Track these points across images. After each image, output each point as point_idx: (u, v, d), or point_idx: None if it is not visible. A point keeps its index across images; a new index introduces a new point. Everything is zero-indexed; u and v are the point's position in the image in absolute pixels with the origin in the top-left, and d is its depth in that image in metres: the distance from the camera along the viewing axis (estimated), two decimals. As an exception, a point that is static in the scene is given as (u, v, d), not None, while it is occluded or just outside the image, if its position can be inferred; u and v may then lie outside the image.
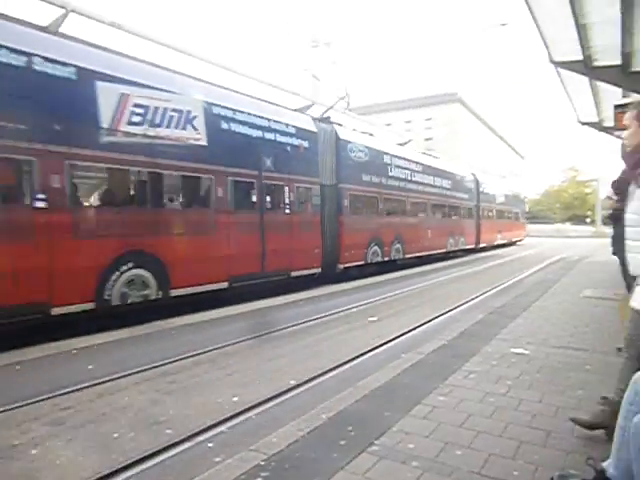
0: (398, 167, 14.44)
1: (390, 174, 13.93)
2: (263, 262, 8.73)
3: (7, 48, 5.36)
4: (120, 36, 8.62)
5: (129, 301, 6.54)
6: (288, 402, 3.54)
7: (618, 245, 4.26)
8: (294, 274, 9.60)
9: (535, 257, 17.08)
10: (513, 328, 5.13)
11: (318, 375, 4.08)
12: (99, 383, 4.01)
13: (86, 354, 4.97)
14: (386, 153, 13.93)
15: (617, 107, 8.51)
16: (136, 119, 6.68)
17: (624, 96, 10.91)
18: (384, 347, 4.98)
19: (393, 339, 5.27)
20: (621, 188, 4.24)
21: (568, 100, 14.44)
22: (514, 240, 28.36)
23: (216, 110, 8.02)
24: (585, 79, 11.16)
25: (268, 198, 9.15)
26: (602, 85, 11.33)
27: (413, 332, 5.64)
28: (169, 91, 7.21)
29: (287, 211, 9.54)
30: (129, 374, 4.23)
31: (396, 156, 14.49)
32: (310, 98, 15.65)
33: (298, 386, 3.84)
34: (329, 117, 12.66)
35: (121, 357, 4.88)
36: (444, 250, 17.54)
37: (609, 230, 4.61)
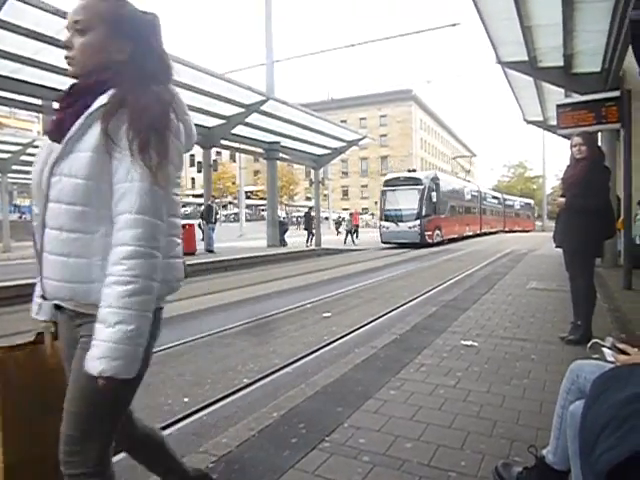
0: (491, 198, 38.98)
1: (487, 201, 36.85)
2: (505, 225, 41.05)
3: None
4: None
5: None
6: (240, 401, 3.49)
7: (562, 236, 4.43)
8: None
9: (486, 251, 17.63)
10: (463, 320, 5.27)
11: (271, 373, 4.05)
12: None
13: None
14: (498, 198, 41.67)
15: (559, 107, 8.88)
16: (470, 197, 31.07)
17: (567, 96, 11.37)
18: (337, 342, 4.99)
19: (346, 334, 5.29)
20: (566, 183, 4.45)
21: (515, 99, 14.95)
22: (527, 229, 46.20)
23: (484, 195, 35.79)
24: (530, 79, 11.57)
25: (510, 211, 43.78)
26: (546, 85, 11.78)
27: (366, 327, 5.68)
28: (474, 190, 32.83)
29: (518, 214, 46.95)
30: (74, 378, 4.07)
31: (487, 195, 37.39)
32: (265, 93, 15.52)
33: (250, 384, 3.79)
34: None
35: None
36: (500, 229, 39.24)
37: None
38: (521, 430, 2.58)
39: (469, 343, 4.32)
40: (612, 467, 0.92)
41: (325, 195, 48.24)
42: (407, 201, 21.88)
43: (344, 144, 21.71)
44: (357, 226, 26.38)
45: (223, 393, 3.60)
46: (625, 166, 7.81)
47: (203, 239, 17.54)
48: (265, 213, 23.63)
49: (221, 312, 6.88)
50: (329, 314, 6.46)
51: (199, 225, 19.92)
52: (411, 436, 2.52)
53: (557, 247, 4.55)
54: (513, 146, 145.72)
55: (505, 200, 43.01)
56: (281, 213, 23.34)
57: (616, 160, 9.60)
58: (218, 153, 42.71)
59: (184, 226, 16.17)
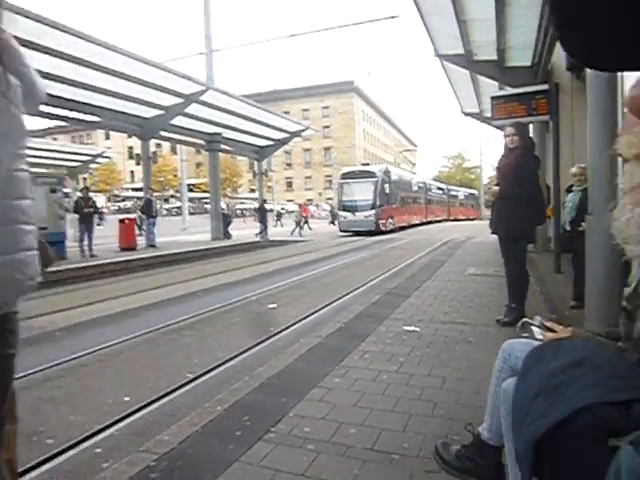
0: (436, 189, 41.25)
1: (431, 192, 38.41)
2: (450, 214, 43.38)
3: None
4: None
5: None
6: (183, 397, 3.42)
7: (496, 223, 4.62)
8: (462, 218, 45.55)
9: (428, 239, 18.10)
10: (405, 307, 5.40)
11: (215, 366, 3.99)
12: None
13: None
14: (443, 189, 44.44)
15: (493, 99, 9.23)
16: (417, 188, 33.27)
17: (500, 89, 11.80)
18: (283, 333, 4.99)
19: (292, 325, 5.30)
20: (500, 172, 4.65)
21: (453, 92, 15.38)
22: (471, 218, 48.02)
23: (429, 186, 38.11)
24: (467, 72, 11.92)
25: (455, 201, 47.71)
26: (482, 78, 12.18)
27: (312, 317, 5.70)
28: (421, 182, 35.48)
29: (460, 202, 49.86)
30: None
31: (432, 186, 40.14)
32: (204, 83, 15.17)
33: (194, 379, 3.72)
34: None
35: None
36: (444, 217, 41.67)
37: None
38: (460, 410, 2.67)
39: (411, 329, 4.44)
40: (541, 434, 0.96)
41: (269, 187, 47.93)
42: (363, 192, 23.91)
43: (287, 135, 21.62)
44: (306, 217, 27.00)
45: (166, 390, 3.51)
46: (554, 156, 8.24)
47: (144, 234, 17.02)
48: (209, 206, 23.18)
49: (164, 307, 6.70)
50: (274, 305, 6.44)
51: (137, 219, 19.29)
52: (355, 422, 2.56)
53: (493, 233, 4.75)
54: (452, 137, 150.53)
55: (450, 191, 46.49)
56: (224, 206, 22.94)
57: (545, 150, 10.10)
58: (158, 145, 41.46)
59: (123, 221, 15.62)
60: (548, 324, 1.56)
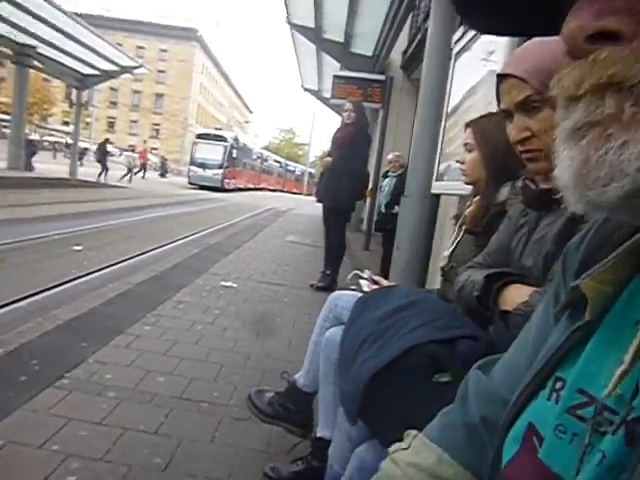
0: (272, 160, 46.99)
1: (267, 163, 43.86)
2: (284, 186, 50.21)
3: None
4: None
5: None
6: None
7: (324, 192, 4.80)
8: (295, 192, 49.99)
9: (250, 205, 18.21)
10: (225, 264, 5.33)
11: (-1, 307, 3.42)
12: None
13: None
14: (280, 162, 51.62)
15: (336, 77, 9.56)
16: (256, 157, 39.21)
17: (341, 71, 12.27)
18: (88, 277, 4.50)
19: (100, 269, 4.82)
20: (335, 144, 4.82)
21: (297, 64, 15.54)
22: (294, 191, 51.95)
23: (266, 157, 43.62)
24: (314, 47, 12.10)
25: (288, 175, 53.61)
26: (326, 57, 12.50)
27: (123, 263, 5.27)
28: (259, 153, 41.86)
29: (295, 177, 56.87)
30: None
31: (269, 157, 45.98)
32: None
33: (-31, 319, 3.13)
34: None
35: None
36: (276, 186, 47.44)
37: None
38: (272, 363, 2.73)
39: (228, 284, 4.40)
40: (372, 374, 0.99)
41: (87, 123, 42.92)
42: (214, 153, 27.77)
43: (116, 68, 19.41)
44: (144, 165, 28.02)
45: None
46: (379, 143, 8.91)
47: None
48: (8, 130, 19.74)
49: None
50: (80, 247, 5.76)
51: None
52: (164, 370, 2.43)
53: (318, 202, 4.94)
54: (287, 110, 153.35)
55: (287, 165, 53.73)
56: (33, 135, 19.83)
57: (371, 137, 10.86)
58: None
59: None
60: (376, 278, 1.65)
